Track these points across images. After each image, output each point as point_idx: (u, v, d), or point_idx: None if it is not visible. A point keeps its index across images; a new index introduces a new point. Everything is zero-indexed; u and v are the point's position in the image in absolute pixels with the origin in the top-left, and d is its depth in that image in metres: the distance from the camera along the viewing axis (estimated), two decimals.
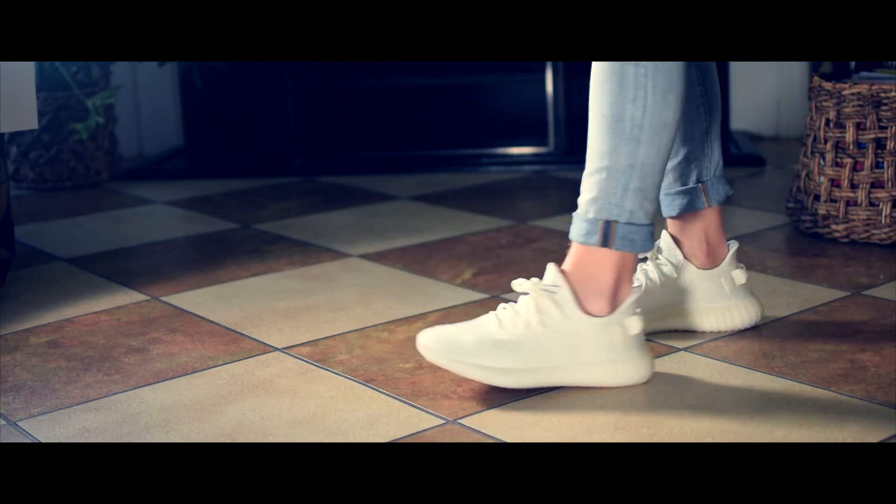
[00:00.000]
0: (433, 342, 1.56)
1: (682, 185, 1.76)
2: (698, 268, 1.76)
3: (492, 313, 1.59)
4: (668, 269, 1.76)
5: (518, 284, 1.58)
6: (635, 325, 1.56)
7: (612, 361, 1.56)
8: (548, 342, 1.54)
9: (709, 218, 1.77)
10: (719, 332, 1.76)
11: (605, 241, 1.55)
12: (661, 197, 1.76)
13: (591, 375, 1.56)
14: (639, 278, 1.73)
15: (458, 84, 3.38)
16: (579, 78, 3.16)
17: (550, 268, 1.57)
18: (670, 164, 1.75)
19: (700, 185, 1.75)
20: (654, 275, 1.75)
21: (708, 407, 1.50)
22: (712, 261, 1.77)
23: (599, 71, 1.53)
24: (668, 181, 1.76)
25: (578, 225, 1.57)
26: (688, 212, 1.76)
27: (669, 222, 1.79)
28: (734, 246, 1.78)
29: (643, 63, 1.50)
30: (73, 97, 2.98)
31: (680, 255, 1.76)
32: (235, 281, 2.14)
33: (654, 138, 1.52)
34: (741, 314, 1.76)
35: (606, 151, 1.53)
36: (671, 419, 1.46)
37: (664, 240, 1.77)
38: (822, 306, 1.86)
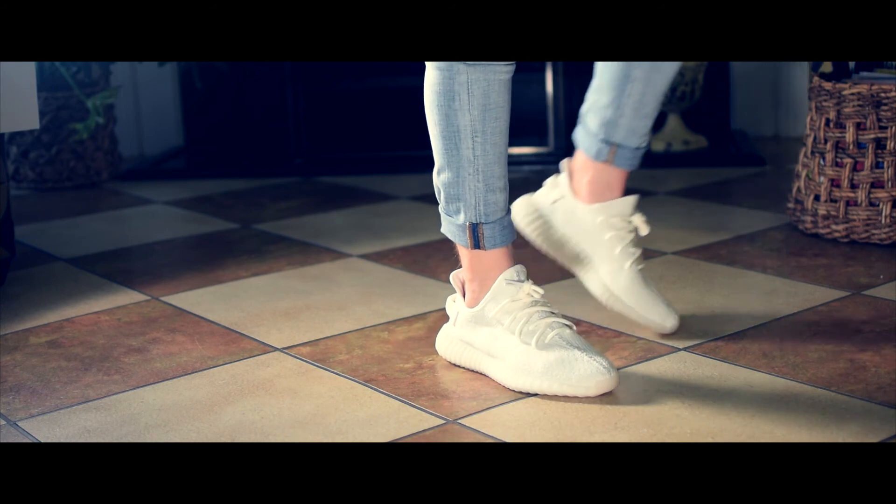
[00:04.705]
0: None
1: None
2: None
3: None
4: None
5: None
6: None
7: None
8: None
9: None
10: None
11: None
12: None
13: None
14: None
15: None
16: (579, 78, 3.16)
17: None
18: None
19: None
20: None
21: (708, 407, 1.50)
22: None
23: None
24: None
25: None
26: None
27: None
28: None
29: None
30: (73, 97, 2.98)
31: None
32: (235, 281, 2.14)
33: None
34: None
35: None
36: (671, 419, 1.47)
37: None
38: (822, 306, 1.86)
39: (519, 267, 1.62)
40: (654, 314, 1.73)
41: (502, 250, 1.63)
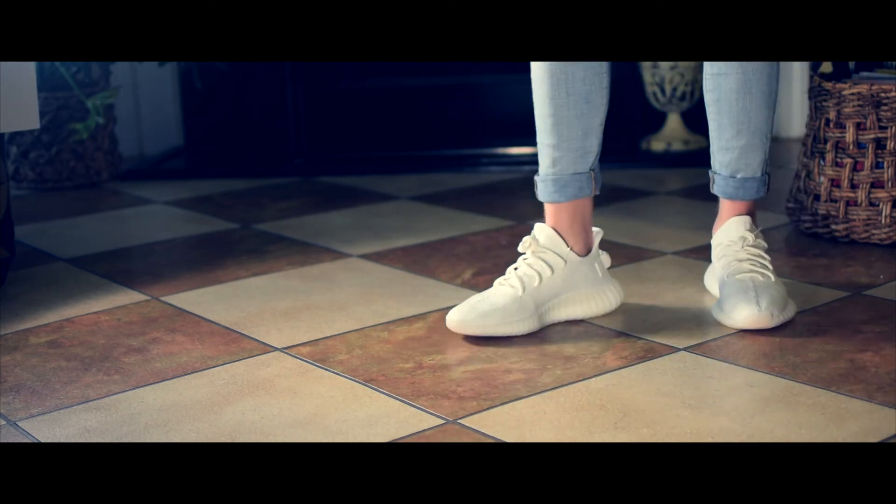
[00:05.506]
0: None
1: (575, 171, 1.85)
2: (578, 255, 1.84)
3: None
4: (553, 258, 1.83)
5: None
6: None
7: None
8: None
9: (588, 205, 1.88)
10: (595, 316, 1.84)
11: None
12: (551, 182, 1.84)
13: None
14: (528, 274, 1.81)
15: (458, 84, 3.38)
16: None
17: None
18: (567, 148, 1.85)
19: (591, 171, 1.86)
20: (540, 266, 1.81)
21: (708, 407, 1.50)
22: (587, 247, 1.86)
23: None
24: (560, 166, 1.84)
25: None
26: (577, 198, 1.84)
27: (555, 209, 1.85)
28: (600, 233, 1.89)
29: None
30: (73, 97, 2.98)
31: (563, 244, 1.83)
32: (235, 281, 2.14)
33: None
34: (613, 296, 1.87)
35: None
36: (671, 419, 1.47)
37: (544, 230, 1.84)
38: (822, 306, 1.86)
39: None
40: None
41: (554, 207, 1.83)
